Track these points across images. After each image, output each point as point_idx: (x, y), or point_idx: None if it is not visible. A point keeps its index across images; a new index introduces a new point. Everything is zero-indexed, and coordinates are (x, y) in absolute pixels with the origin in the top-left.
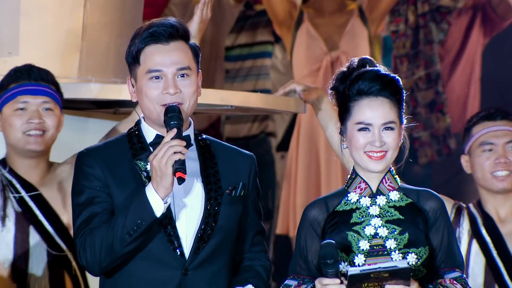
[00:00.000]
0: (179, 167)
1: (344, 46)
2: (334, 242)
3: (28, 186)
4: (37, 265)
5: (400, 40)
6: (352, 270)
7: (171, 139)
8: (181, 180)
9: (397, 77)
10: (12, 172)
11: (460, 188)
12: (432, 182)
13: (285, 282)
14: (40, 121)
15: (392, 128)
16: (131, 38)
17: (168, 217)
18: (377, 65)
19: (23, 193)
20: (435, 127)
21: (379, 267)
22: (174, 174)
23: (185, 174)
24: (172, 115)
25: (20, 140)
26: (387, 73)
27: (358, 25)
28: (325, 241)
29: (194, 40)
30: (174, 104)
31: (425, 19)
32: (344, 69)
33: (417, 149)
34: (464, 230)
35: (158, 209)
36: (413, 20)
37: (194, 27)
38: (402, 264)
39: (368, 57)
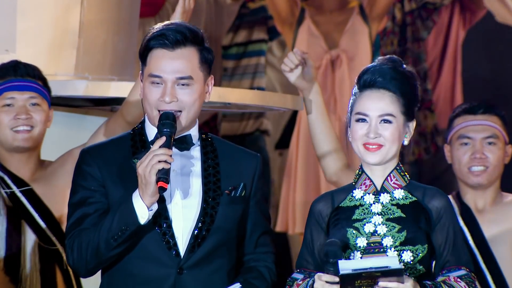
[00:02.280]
0: (162, 176)
1: (344, 44)
2: (338, 241)
3: (19, 182)
4: (29, 258)
5: (388, 38)
6: (343, 270)
7: (160, 147)
8: (162, 190)
9: (411, 73)
10: (3, 168)
11: (452, 184)
12: (422, 179)
13: (292, 276)
14: (28, 117)
15: (389, 121)
16: (144, 36)
17: (164, 216)
18: (404, 66)
19: (14, 188)
20: (422, 124)
21: (371, 267)
22: (157, 183)
23: (167, 183)
24: (165, 122)
25: (8, 137)
26: (396, 67)
27: (359, 22)
28: (330, 240)
29: None
30: (170, 111)
31: (412, 17)
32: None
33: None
34: None
35: (143, 216)
36: (400, 17)
37: (177, 17)
38: (395, 265)
39: (395, 56)
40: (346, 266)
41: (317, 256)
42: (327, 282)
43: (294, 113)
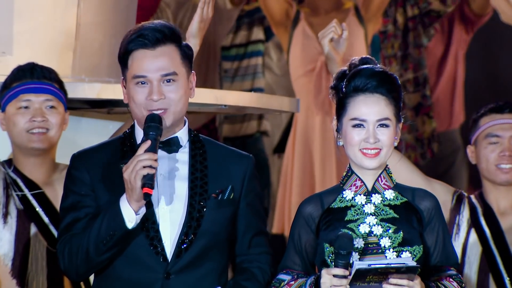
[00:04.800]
0: (147, 182)
1: None
2: (351, 234)
3: (31, 185)
4: (36, 262)
5: (389, 41)
6: (359, 264)
7: (145, 151)
8: (147, 196)
9: (393, 74)
10: (17, 171)
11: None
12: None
13: (278, 277)
14: (43, 119)
15: (387, 125)
16: (122, 41)
17: (151, 221)
18: (378, 65)
19: (26, 191)
20: (420, 130)
21: (388, 264)
22: (142, 188)
23: (152, 189)
24: (150, 125)
25: (23, 139)
26: (385, 70)
27: (354, 24)
28: (342, 232)
29: (195, 39)
30: (157, 112)
31: (415, 22)
32: (345, 68)
33: (401, 151)
34: (464, 218)
35: (130, 220)
36: (401, 22)
37: (194, 26)
38: (411, 263)
39: (369, 56)
40: (362, 262)
41: (305, 257)
42: (335, 276)
43: (292, 116)
